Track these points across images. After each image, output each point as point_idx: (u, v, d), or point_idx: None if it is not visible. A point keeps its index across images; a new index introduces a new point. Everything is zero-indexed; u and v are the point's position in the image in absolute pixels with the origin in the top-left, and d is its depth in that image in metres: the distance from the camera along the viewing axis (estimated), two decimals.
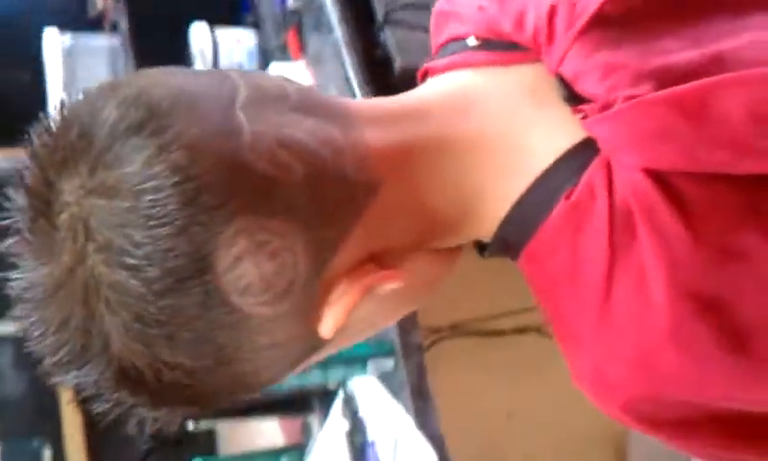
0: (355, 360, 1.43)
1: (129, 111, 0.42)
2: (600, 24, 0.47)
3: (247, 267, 0.43)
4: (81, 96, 0.45)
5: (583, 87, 0.48)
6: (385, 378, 1.47)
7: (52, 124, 0.44)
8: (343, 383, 1.48)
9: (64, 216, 0.42)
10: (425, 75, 0.58)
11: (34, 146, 0.44)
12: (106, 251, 0.42)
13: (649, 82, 0.45)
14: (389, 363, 1.48)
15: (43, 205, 0.43)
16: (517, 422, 1.76)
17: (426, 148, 0.50)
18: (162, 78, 0.45)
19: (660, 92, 0.44)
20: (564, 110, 0.49)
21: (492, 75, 0.53)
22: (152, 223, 0.41)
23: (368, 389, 1.46)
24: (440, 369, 1.49)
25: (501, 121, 0.51)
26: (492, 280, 1.35)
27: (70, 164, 0.42)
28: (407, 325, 1.48)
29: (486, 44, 0.54)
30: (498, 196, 0.51)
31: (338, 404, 1.49)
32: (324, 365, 1.38)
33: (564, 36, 0.48)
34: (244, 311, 0.44)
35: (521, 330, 1.75)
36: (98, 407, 0.44)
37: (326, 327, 0.48)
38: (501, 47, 0.53)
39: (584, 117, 0.47)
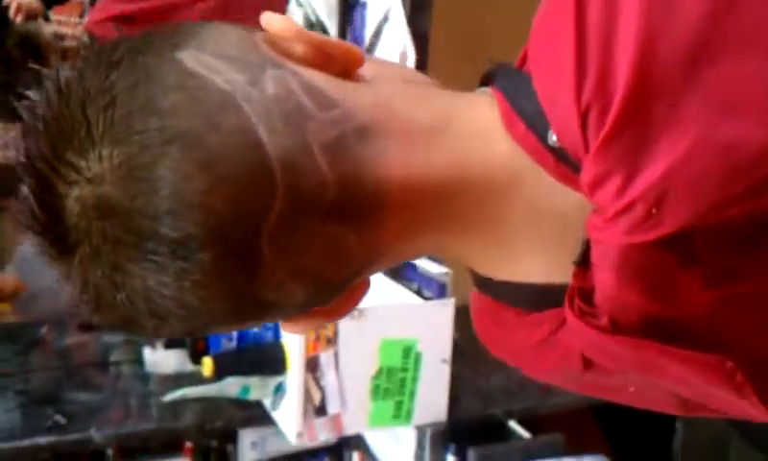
0: None
1: (163, 225, 0.41)
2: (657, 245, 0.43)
3: None
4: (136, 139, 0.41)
5: (596, 275, 0.47)
6: None
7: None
8: None
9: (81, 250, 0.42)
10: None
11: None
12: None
13: (633, 327, 0.46)
14: None
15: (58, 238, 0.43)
16: None
17: (439, 233, 0.50)
18: (206, 187, 0.41)
19: (623, 338, 0.46)
20: (570, 255, 0.48)
21: (546, 182, 0.47)
22: (154, 328, 0.43)
23: None
24: None
25: (522, 233, 0.50)
26: None
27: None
28: None
29: (561, 153, 0.46)
30: (475, 264, 0.53)
31: None
32: None
33: (622, 238, 0.43)
34: None
35: None
36: None
37: (283, 328, 0.53)
38: (571, 165, 0.45)
39: (569, 297, 0.48)
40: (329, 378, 1.41)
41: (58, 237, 0.43)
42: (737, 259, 0.44)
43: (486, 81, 0.52)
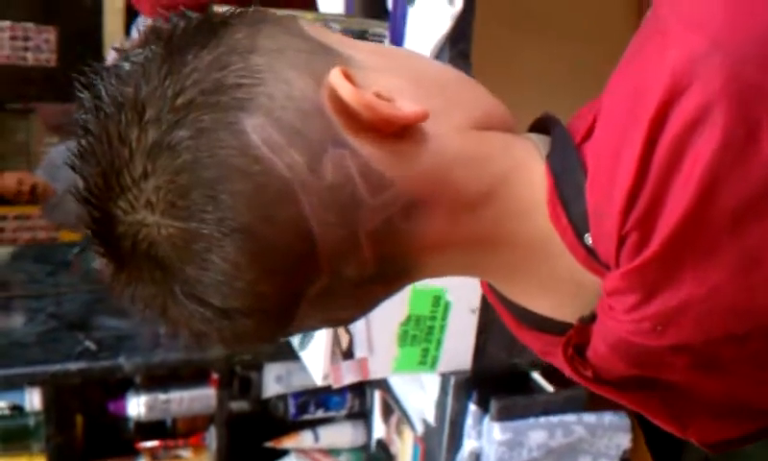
0: None
1: (211, 297, 0.44)
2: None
3: None
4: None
5: (593, 338, 0.50)
6: None
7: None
8: None
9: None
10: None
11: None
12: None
13: (613, 380, 0.51)
14: None
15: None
16: None
17: (461, 271, 0.53)
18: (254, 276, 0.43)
19: (600, 387, 0.52)
20: (577, 310, 0.51)
21: (570, 260, 0.49)
22: None
23: None
24: None
25: (539, 287, 0.53)
26: None
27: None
28: None
29: (592, 251, 0.48)
30: (491, 281, 0.57)
31: None
32: None
33: (625, 335, 0.47)
34: None
35: None
36: None
37: None
38: (599, 261, 0.48)
39: (565, 344, 0.52)
40: (359, 323, 1.41)
41: (113, 255, 0.45)
42: (726, 351, 0.45)
43: (540, 125, 0.54)
